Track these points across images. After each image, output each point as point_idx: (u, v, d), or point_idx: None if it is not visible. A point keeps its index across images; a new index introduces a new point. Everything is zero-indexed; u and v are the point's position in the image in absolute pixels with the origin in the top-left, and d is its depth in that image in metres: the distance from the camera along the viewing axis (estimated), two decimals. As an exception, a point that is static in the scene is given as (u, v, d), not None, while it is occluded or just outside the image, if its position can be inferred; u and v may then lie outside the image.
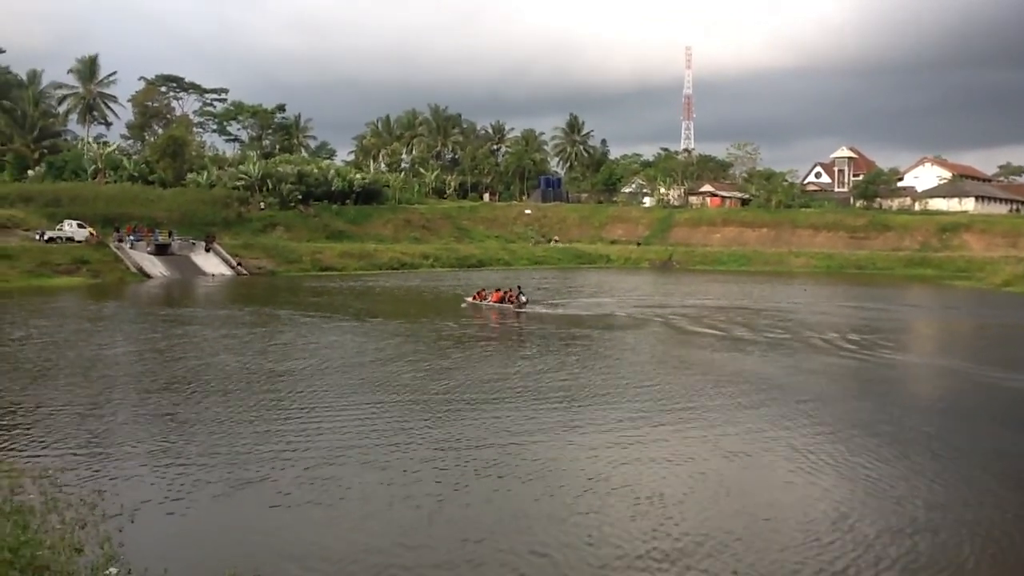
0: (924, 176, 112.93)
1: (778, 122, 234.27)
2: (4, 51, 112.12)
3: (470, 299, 43.45)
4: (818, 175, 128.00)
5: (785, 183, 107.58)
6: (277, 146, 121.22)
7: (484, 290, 44.35)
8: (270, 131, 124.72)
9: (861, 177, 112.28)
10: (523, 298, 41.30)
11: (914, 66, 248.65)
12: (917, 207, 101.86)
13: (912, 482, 14.12)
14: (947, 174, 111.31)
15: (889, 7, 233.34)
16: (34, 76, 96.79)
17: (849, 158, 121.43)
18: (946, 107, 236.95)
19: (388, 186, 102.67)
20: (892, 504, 12.96)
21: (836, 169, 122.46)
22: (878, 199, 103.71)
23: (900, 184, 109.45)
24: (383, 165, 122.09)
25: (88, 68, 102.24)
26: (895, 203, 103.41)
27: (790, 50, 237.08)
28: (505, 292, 42.41)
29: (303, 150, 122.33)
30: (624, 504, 12.88)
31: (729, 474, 14.48)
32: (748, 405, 19.71)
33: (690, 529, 11.83)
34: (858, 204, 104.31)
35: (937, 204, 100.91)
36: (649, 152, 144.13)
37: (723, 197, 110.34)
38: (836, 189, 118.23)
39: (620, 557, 10.88)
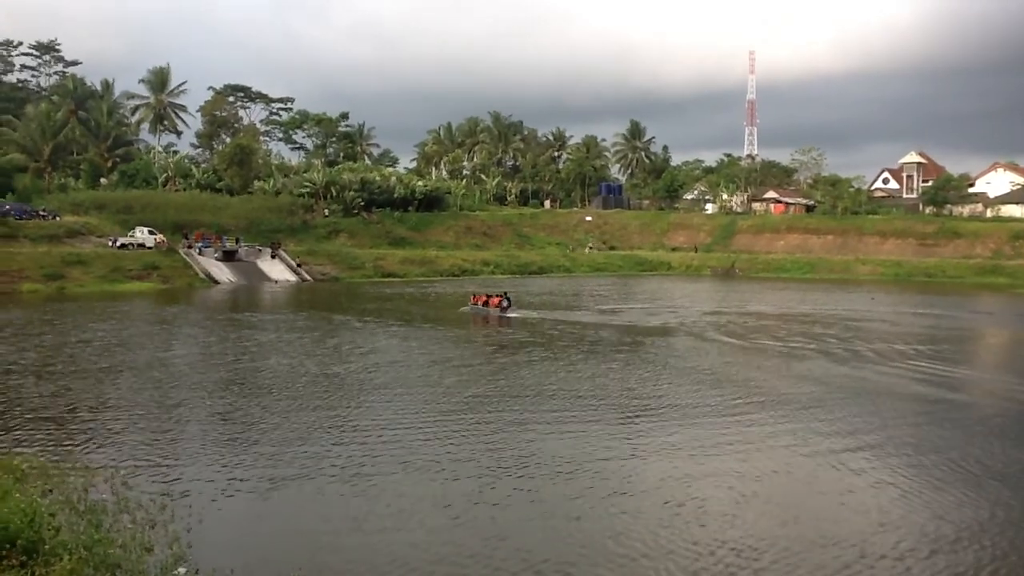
0: (996, 182, 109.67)
1: (844, 127, 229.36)
2: (80, 63, 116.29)
3: (473, 302, 44.27)
4: (886, 181, 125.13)
5: (851, 189, 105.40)
6: (341, 154, 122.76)
7: (487, 295, 44.97)
8: (334, 139, 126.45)
9: (930, 183, 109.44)
10: (505, 303, 42.36)
11: (983, 68, 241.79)
12: (989, 213, 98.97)
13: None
14: (1020, 179, 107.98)
15: (955, 8, 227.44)
16: (108, 87, 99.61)
17: (918, 163, 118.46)
18: (1018, 110, 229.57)
19: (449, 193, 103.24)
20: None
21: (904, 175, 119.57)
22: (948, 205, 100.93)
23: (971, 190, 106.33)
24: (444, 172, 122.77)
25: (159, 79, 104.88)
26: (966, 209, 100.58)
27: (856, 53, 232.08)
28: (490, 297, 43.82)
29: (366, 158, 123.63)
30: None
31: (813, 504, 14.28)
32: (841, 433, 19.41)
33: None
34: (927, 211, 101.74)
35: (1010, 210, 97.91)
36: (711, 158, 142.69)
37: (787, 203, 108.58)
38: (904, 195, 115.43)
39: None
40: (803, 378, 24.42)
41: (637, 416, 19.31)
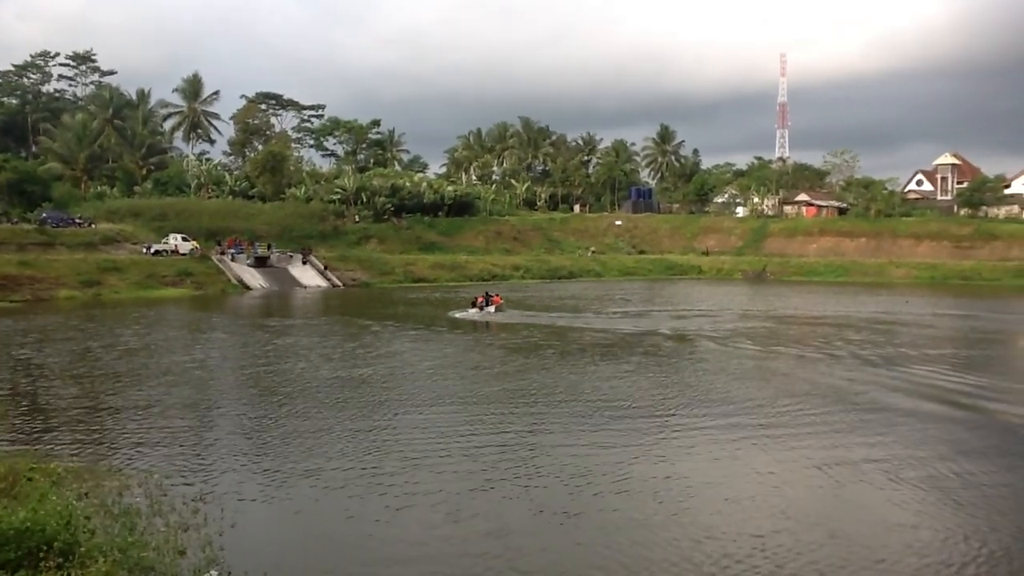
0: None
1: (877, 128, 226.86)
2: (116, 72, 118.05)
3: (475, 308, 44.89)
4: (920, 183, 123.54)
5: (885, 191, 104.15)
6: (371, 160, 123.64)
7: (485, 295, 46.06)
8: (364, 146, 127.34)
9: (965, 185, 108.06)
10: (491, 308, 43.85)
11: (1019, 67, 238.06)
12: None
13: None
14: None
15: (989, 6, 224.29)
16: (143, 96, 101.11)
17: (952, 165, 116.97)
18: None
19: (479, 198, 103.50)
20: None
21: (939, 176, 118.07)
22: (984, 207, 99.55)
23: (1007, 191, 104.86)
24: (474, 177, 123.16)
25: (192, 87, 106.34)
26: (1002, 211, 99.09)
27: (888, 53, 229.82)
28: (477, 298, 45.62)
29: (396, 164, 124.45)
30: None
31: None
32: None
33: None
34: (962, 213, 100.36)
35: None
36: (742, 161, 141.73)
37: (819, 206, 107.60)
38: (939, 197, 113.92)
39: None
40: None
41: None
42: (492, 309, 44.03)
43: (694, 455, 16.25)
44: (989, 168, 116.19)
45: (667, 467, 15.35)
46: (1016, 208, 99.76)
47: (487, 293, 46.56)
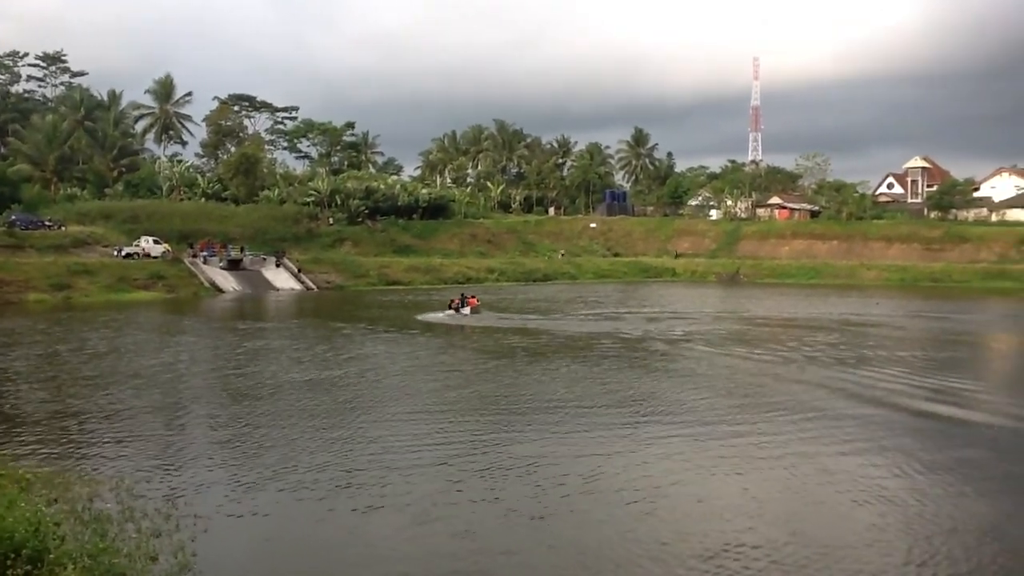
0: (1001, 186, 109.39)
1: (848, 132, 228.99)
2: (87, 73, 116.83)
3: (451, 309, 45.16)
4: (890, 186, 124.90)
5: (856, 194, 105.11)
6: (345, 162, 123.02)
7: (461, 297, 46.39)
8: (339, 148, 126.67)
9: (935, 188, 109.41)
10: (466, 310, 44.25)
11: (987, 73, 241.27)
12: (994, 218, 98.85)
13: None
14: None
15: (960, 13, 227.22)
16: (114, 97, 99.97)
17: (923, 168, 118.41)
18: (1022, 115, 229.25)
19: (454, 201, 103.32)
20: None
21: (909, 180, 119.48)
22: (953, 210, 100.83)
23: (976, 194, 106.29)
24: (449, 180, 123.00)
25: (164, 89, 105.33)
26: (971, 214, 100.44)
27: (860, 58, 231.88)
28: (453, 300, 46.16)
29: (371, 166, 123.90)
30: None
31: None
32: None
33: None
34: (932, 215, 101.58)
35: (1016, 215, 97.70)
36: (716, 164, 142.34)
37: (792, 209, 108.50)
38: (909, 200, 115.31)
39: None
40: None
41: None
42: (467, 311, 44.02)
43: (664, 457, 16.31)
44: (958, 171, 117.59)
45: (637, 469, 15.39)
46: (985, 211, 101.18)
47: (462, 295, 46.62)
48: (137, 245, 66.16)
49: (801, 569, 10.93)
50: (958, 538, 12.07)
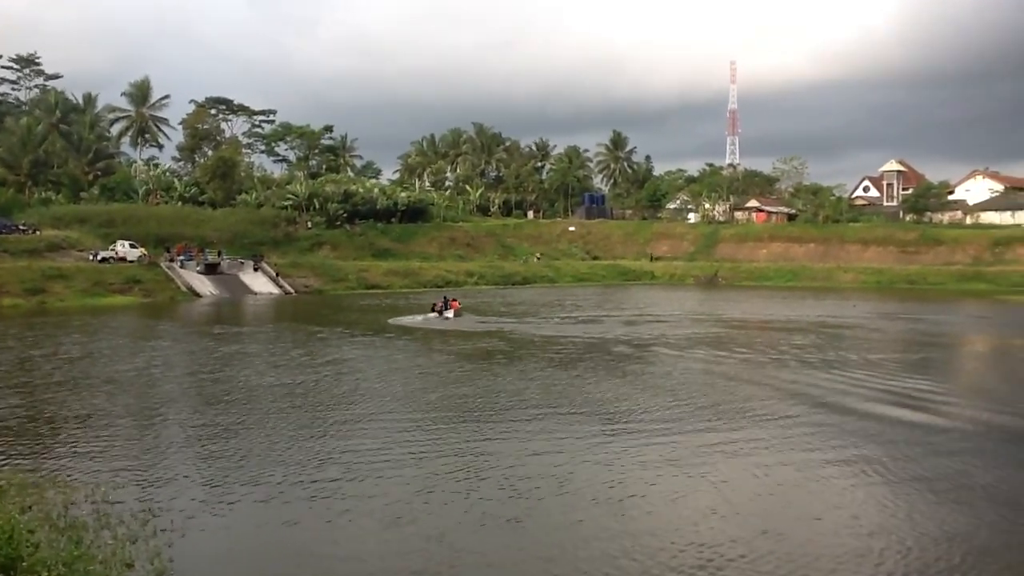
0: (976, 189, 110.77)
1: (825, 136, 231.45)
2: (61, 76, 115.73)
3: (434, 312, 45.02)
4: (866, 189, 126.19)
5: (833, 197, 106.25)
6: (324, 166, 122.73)
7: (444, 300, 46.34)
8: (317, 151, 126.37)
9: (911, 191, 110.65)
10: (449, 313, 44.19)
11: (962, 78, 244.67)
12: (969, 221, 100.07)
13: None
14: (999, 187, 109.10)
15: (934, 18, 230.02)
16: (90, 100, 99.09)
17: (898, 171, 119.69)
18: (997, 119, 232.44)
19: (433, 204, 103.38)
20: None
21: (885, 183, 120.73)
22: (928, 213, 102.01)
23: (951, 197, 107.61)
24: (428, 183, 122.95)
25: (141, 92, 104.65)
26: (946, 217, 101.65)
27: (836, 62, 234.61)
28: (436, 303, 45.86)
29: (349, 169, 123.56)
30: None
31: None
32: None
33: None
34: (908, 218, 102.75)
35: (990, 217, 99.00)
36: (694, 168, 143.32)
37: (769, 212, 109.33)
38: (885, 203, 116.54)
39: None
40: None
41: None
42: (451, 314, 43.99)
43: (638, 459, 16.33)
44: (933, 175, 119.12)
45: (611, 472, 15.42)
46: (959, 214, 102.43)
47: (445, 297, 46.61)
48: (113, 249, 65.70)
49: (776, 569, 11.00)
50: (930, 542, 12.19)
